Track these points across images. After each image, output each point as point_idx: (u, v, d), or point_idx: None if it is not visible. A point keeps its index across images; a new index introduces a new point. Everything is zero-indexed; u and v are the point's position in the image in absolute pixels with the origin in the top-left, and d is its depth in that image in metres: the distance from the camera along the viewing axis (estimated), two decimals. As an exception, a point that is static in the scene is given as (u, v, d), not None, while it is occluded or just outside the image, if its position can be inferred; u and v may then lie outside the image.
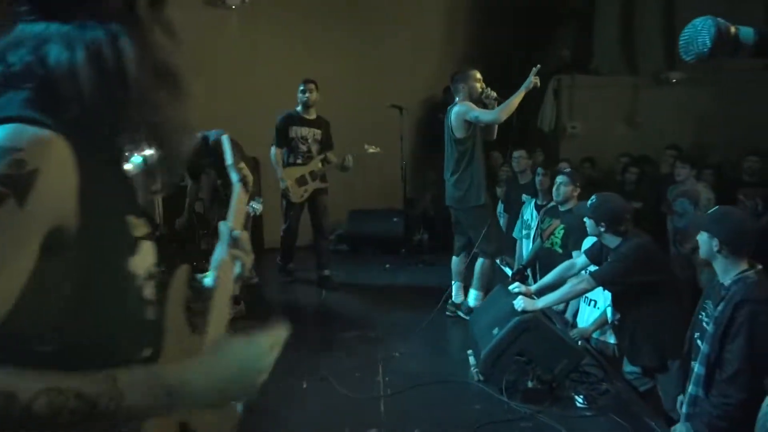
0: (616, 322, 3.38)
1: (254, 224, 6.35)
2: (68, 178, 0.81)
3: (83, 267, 0.84)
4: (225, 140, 1.56)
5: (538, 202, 5.09)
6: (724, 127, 6.90)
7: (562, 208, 4.40)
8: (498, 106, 4.20)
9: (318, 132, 5.25)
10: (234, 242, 1.25)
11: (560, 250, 4.28)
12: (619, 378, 3.28)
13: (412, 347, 3.77)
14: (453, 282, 4.61)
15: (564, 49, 7.54)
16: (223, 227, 1.27)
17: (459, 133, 4.22)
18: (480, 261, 4.39)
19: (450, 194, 4.44)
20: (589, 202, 3.34)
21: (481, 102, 4.29)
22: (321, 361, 3.67)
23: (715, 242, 2.45)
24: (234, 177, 1.44)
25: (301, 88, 5.17)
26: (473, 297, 4.39)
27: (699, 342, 2.56)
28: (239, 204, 1.37)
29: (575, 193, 4.30)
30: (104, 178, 0.88)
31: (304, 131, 5.22)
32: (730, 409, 2.37)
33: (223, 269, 1.21)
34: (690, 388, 2.54)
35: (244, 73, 6.36)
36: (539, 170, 5.13)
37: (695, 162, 5.61)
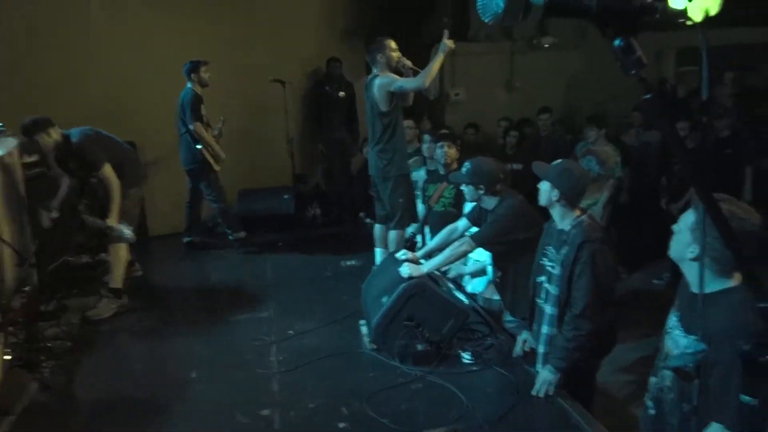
0: (497, 280, 3.55)
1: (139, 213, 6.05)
2: None
3: None
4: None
5: (429, 169, 5.20)
6: (591, 90, 7.38)
7: (446, 171, 4.55)
8: (413, 74, 4.24)
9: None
10: None
11: (454, 210, 4.42)
12: (502, 331, 3.46)
13: (305, 324, 3.74)
14: (376, 248, 4.65)
15: (445, 18, 7.67)
16: None
17: (383, 106, 4.21)
18: (393, 232, 4.44)
19: (373, 164, 4.44)
20: (464, 168, 3.44)
21: (397, 71, 4.29)
22: (211, 347, 3.59)
23: (555, 193, 2.69)
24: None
25: (204, 68, 5.36)
26: None
27: (547, 286, 2.76)
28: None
29: (457, 155, 4.47)
30: None
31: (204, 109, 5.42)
32: (583, 340, 2.58)
33: None
34: (544, 329, 2.75)
35: (116, 55, 5.93)
36: (426, 137, 5.23)
37: (600, 122, 5.92)
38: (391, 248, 4.39)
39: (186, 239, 5.72)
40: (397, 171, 4.31)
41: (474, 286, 4.05)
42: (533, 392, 2.73)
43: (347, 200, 6.92)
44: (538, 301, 2.84)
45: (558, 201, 2.71)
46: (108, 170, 4.15)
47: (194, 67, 5.36)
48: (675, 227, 1.94)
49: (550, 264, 2.75)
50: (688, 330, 1.87)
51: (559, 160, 2.98)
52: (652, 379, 2.11)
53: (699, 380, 1.19)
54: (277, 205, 6.22)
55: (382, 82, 4.17)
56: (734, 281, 1.80)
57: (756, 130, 6.14)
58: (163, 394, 3.05)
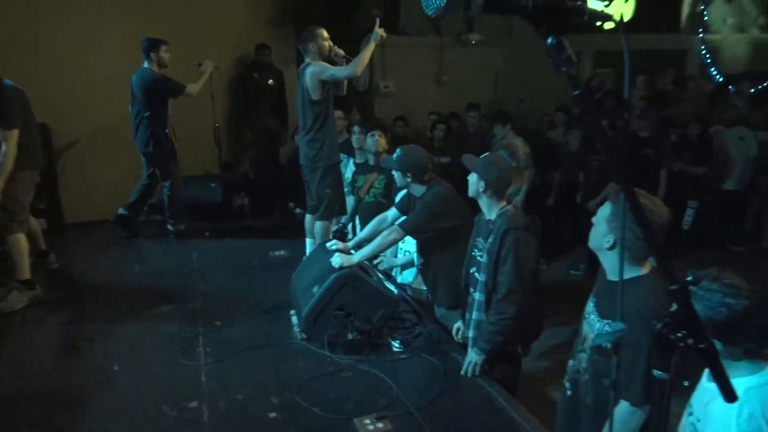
0: (420, 267, 3.63)
1: (51, 198, 5.72)
2: None
3: None
4: None
5: (357, 161, 5.22)
6: (516, 86, 7.65)
7: (376, 162, 4.59)
8: (346, 63, 4.22)
9: None
10: None
11: (384, 200, 4.46)
12: (431, 320, 3.55)
13: (233, 315, 3.68)
14: (306, 239, 4.62)
15: (374, 9, 7.70)
16: None
17: (314, 95, 4.17)
18: (319, 222, 4.42)
19: (303, 153, 4.39)
20: (395, 155, 3.51)
21: (330, 60, 4.26)
22: (134, 339, 3.47)
23: (482, 184, 2.82)
24: None
25: (164, 48, 5.21)
26: None
27: (477, 275, 2.87)
28: None
29: (387, 146, 4.53)
30: None
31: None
32: (506, 323, 2.72)
33: None
34: (474, 315, 2.87)
35: (33, 36, 5.57)
36: (355, 128, 5.24)
37: (505, 119, 6.13)
38: (318, 239, 4.39)
39: (121, 211, 5.45)
40: (326, 160, 4.30)
41: (404, 277, 4.12)
42: (462, 372, 2.85)
43: (276, 190, 6.83)
44: (471, 291, 2.93)
45: (485, 192, 2.83)
46: (14, 136, 3.80)
47: (154, 46, 5.12)
48: (593, 219, 2.08)
49: (479, 254, 2.86)
50: (602, 315, 2.02)
51: (487, 153, 3.09)
52: (570, 362, 2.25)
53: (617, 357, 1.30)
54: (203, 193, 6.06)
55: (314, 70, 4.14)
56: (645, 269, 1.96)
57: (664, 130, 6.59)
58: (82, 388, 2.91)
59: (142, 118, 5.19)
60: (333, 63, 4.28)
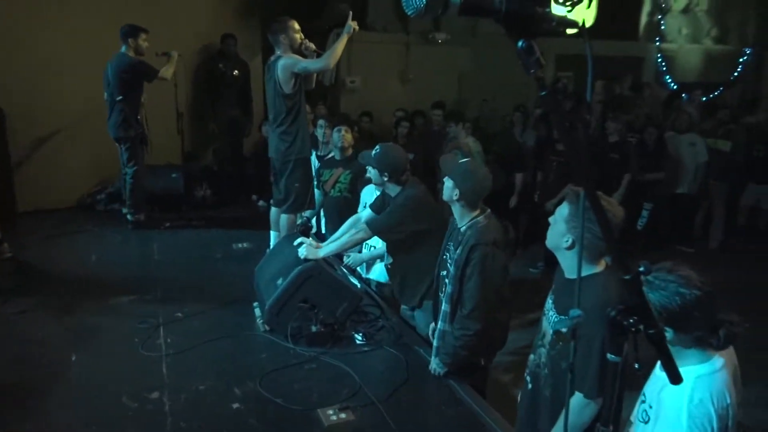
0: (388, 266, 3.66)
1: (4, 185, 5.54)
2: None
3: None
4: None
5: (319, 153, 5.23)
6: (479, 85, 7.78)
7: (342, 157, 4.61)
8: (317, 57, 4.21)
9: None
10: None
11: (350, 195, 4.48)
12: (394, 314, 3.60)
13: (194, 307, 3.65)
14: (271, 231, 4.59)
15: (342, 3, 7.70)
16: None
17: (287, 88, 4.14)
18: (285, 216, 4.41)
19: (274, 146, 4.36)
20: (374, 152, 3.46)
21: (300, 53, 4.23)
22: (92, 330, 3.40)
23: (456, 192, 2.75)
24: None
25: (144, 36, 5.21)
26: None
27: (446, 280, 2.85)
28: None
29: (353, 141, 4.56)
30: None
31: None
32: (469, 339, 2.70)
33: None
34: (439, 324, 2.83)
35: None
36: (321, 122, 5.25)
37: (459, 118, 6.24)
38: (283, 232, 4.39)
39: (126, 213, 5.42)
40: (297, 154, 4.29)
41: (372, 273, 4.13)
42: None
43: (239, 181, 6.78)
44: (441, 294, 2.89)
45: (458, 200, 2.76)
46: None
47: (133, 32, 5.09)
48: (551, 219, 2.15)
49: (450, 261, 2.81)
50: (560, 311, 2.10)
51: (466, 159, 3.07)
52: (531, 357, 2.33)
53: (574, 341, 1.37)
54: (164, 183, 5.97)
55: (286, 63, 4.12)
56: (600, 267, 2.05)
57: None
58: (36, 380, 2.85)
59: (115, 103, 5.14)
60: (303, 56, 4.28)
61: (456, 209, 2.82)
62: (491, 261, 2.66)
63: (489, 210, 2.84)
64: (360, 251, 4.19)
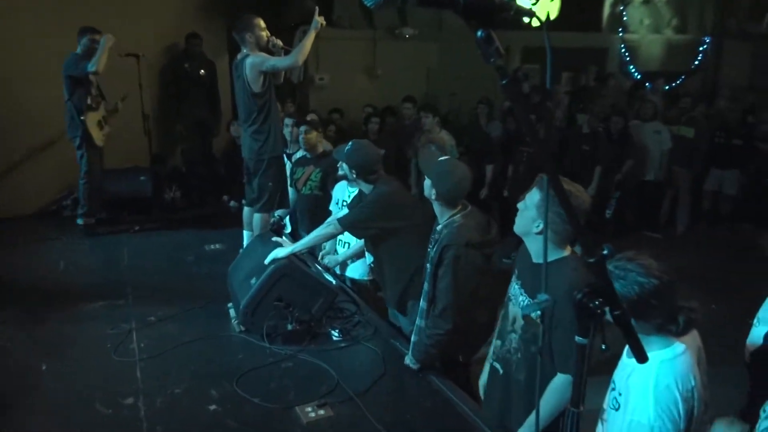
0: (372, 265, 3.65)
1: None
2: None
3: None
4: None
5: (288, 151, 5.20)
6: (447, 79, 7.82)
7: (313, 155, 4.61)
8: (285, 54, 4.17)
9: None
10: None
11: (320, 193, 4.47)
12: (370, 309, 3.61)
13: (167, 310, 3.60)
14: (244, 231, 4.55)
15: (308, 0, 7.66)
16: None
17: (256, 87, 4.09)
18: (258, 215, 4.38)
19: (247, 145, 4.31)
20: (346, 147, 3.44)
21: (268, 51, 4.18)
22: (63, 337, 3.33)
23: (434, 192, 2.75)
24: None
25: (92, 35, 5.05)
26: None
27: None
28: None
29: (320, 139, 4.55)
30: None
31: (91, 77, 5.10)
32: (440, 338, 2.72)
33: None
34: (417, 320, 2.85)
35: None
36: (287, 120, 5.23)
37: (434, 111, 6.26)
38: (256, 231, 4.36)
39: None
40: (270, 152, 4.26)
41: (350, 271, 4.12)
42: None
43: (209, 182, 6.71)
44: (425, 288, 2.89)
45: (436, 200, 2.77)
46: None
47: (82, 32, 5.00)
48: (520, 205, 2.19)
49: (429, 258, 2.81)
50: (531, 295, 2.14)
51: (445, 158, 3.07)
52: (498, 343, 2.37)
53: (543, 326, 1.40)
54: (132, 186, 5.87)
55: (253, 61, 4.07)
56: (567, 252, 2.10)
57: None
58: (7, 390, 2.78)
59: (66, 102, 5.08)
60: (271, 53, 4.24)
61: (436, 207, 2.82)
62: (464, 262, 2.64)
63: (470, 207, 2.83)
64: (335, 251, 4.18)
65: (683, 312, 1.70)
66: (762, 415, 1.86)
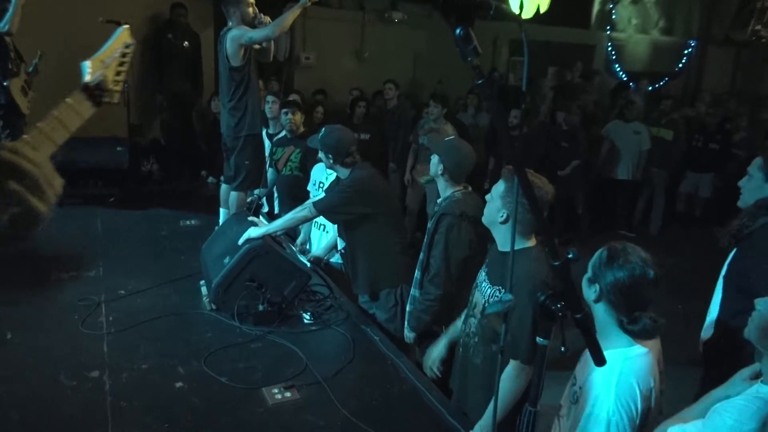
0: (342, 251, 3.66)
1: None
2: None
3: None
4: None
5: (270, 131, 5.16)
6: (434, 67, 7.80)
7: (293, 135, 4.58)
8: None
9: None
10: None
11: (300, 174, 4.45)
12: (342, 294, 3.61)
13: (138, 284, 3.56)
14: (220, 209, 4.52)
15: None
16: None
17: (234, 61, 4.03)
18: (234, 193, 4.34)
19: (225, 122, 4.27)
20: (320, 134, 3.44)
21: (254, 27, 4.12)
22: (29, 307, 3.28)
23: (441, 167, 2.88)
24: None
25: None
26: None
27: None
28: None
29: (302, 119, 4.54)
30: None
31: (7, 39, 4.69)
32: (430, 304, 2.85)
33: None
34: (412, 290, 2.99)
35: None
36: (269, 98, 5.17)
37: (443, 102, 6.19)
38: (232, 210, 4.33)
39: None
40: (247, 130, 4.21)
41: (315, 246, 4.13)
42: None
43: (188, 156, 6.63)
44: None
45: (442, 174, 2.89)
46: None
47: None
48: (487, 197, 2.26)
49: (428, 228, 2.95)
50: (492, 282, 2.21)
51: (452, 137, 3.20)
52: (461, 326, 2.44)
53: (506, 325, 1.42)
54: (108, 157, 5.76)
55: (234, 34, 4.01)
56: (531, 242, 2.16)
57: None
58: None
59: None
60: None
61: (440, 183, 2.94)
62: (456, 232, 2.78)
63: (471, 188, 2.98)
64: (308, 240, 4.16)
65: (651, 318, 1.74)
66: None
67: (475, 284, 2.36)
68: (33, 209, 0.82)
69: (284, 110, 4.58)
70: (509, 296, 1.22)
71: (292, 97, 5.58)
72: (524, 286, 1.87)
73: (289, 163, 4.54)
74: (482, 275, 2.33)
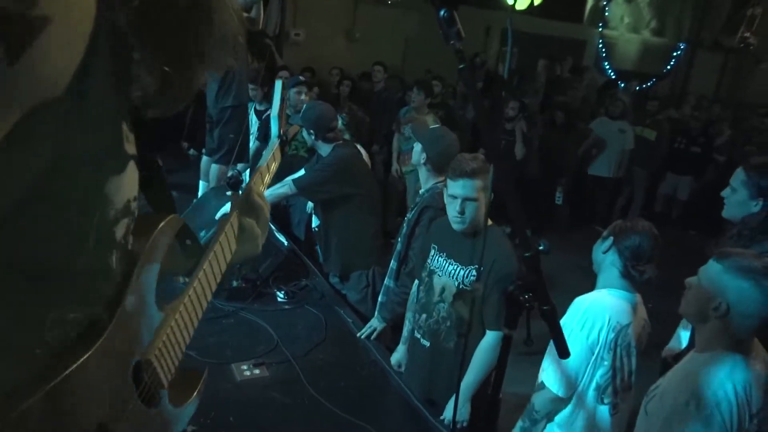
0: (316, 229, 3.64)
1: None
2: (78, 41, 0.53)
3: (48, 161, 0.55)
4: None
5: (258, 108, 5.07)
6: (426, 52, 7.74)
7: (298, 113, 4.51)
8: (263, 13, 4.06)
9: None
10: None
11: (306, 155, 4.37)
12: (318, 274, 3.60)
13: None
14: (200, 181, 4.47)
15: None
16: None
17: None
18: (215, 166, 4.27)
19: (211, 92, 4.20)
20: (302, 111, 3.41)
21: None
22: None
23: (424, 156, 2.82)
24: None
25: None
26: None
27: (399, 239, 2.96)
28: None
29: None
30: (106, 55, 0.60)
31: None
32: (407, 296, 2.79)
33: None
34: (386, 281, 2.94)
35: None
36: (282, 72, 5.09)
37: (429, 89, 6.07)
38: (212, 183, 4.27)
39: None
40: (232, 102, 4.15)
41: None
42: (358, 335, 2.91)
43: (168, 127, 6.48)
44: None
45: (425, 164, 2.83)
46: None
47: None
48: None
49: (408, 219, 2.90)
50: (462, 262, 2.22)
51: (437, 126, 3.16)
52: (422, 317, 2.44)
53: (475, 305, 1.45)
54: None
55: None
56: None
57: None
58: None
59: None
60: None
61: (422, 174, 2.88)
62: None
63: None
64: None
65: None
66: None
67: (427, 270, 2.38)
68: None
69: (295, 89, 4.48)
70: (472, 277, 1.22)
71: (283, 74, 5.49)
72: (502, 259, 1.98)
73: (294, 142, 4.43)
74: (438, 260, 2.34)
